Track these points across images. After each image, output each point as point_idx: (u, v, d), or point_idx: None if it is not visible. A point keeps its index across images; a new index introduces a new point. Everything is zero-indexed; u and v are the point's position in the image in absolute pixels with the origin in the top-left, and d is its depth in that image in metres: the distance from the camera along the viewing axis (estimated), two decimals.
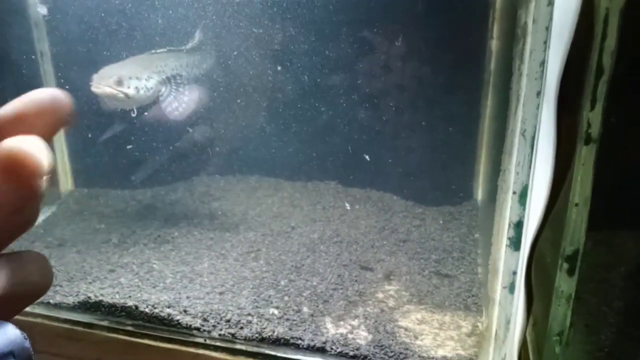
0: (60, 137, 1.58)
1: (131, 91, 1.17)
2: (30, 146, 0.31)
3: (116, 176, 1.58)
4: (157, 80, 1.21)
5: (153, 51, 1.28)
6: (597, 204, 0.76)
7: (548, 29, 0.69)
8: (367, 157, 1.34)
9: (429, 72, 1.38)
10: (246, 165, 1.60)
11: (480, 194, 1.40)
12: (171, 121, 1.24)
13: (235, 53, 1.40)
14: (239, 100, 1.47)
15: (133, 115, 1.23)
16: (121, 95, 1.16)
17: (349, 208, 1.39)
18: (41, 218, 1.49)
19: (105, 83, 1.15)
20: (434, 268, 1.18)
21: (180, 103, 1.21)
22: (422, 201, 1.45)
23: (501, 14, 1.25)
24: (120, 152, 1.52)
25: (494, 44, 1.27)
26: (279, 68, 1.42)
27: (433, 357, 0.93)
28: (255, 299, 1.08)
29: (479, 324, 1.00)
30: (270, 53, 1.40)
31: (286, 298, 1.09)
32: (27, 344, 0.46)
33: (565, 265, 0.73)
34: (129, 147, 1.43)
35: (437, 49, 1.36)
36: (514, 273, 0.77)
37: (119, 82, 1.15)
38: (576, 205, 0.71)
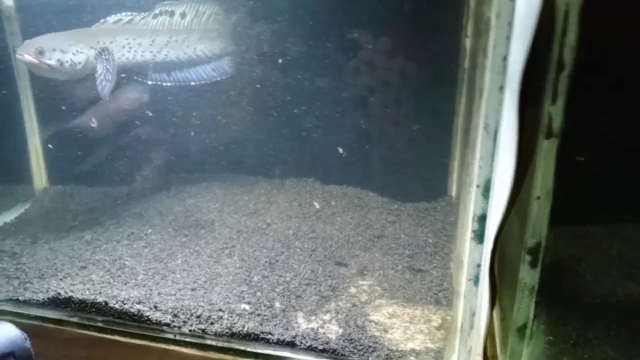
0: (34, 135, 1.56)
1: (53, 62, 1.18)
2: None
3: (91, 173, 1.56)
4: (90, 55, 1.21)
5: (104, 20, 1.26)
6: (569, 198, 0.77)
7: (510, 24, 0.69)
8: (340, 150, 1.34)
9: (405, 70, 1.39)
10: (223, 163, 1.59)
11: (454, 190, 1.41)
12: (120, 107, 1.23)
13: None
14: (217, 95, 1.45)
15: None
16: (44, 66, 1.18)
17: (317, 207, 1.39)
18: (14, 215, 1.47)
19: (27, 52, 1.18)
20: (408, 263, 1.19)
21: (112, 79, 1.21)
22: (398, 197, 1.45)
23: (475, 12, 1.25)
24: (96, 150, 1.51)
25: (468, 42, 1.28)
26: (255, 57, 1.40)
27: (402, 350, 0.93)
28: (227, 295, 1.08)
29: (449, 317, 1.01)
30: (249, 37, 1.37)
31: (259, 294, 1.09)
32: (28, 344, 0.46)
33: (528, 258, 0.73)
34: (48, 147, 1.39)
35: (413, 47, 1.37)
36: (478, 266, 0.78)
37: (40, 53, 1.17)
38: (538, 198, 0.71)
